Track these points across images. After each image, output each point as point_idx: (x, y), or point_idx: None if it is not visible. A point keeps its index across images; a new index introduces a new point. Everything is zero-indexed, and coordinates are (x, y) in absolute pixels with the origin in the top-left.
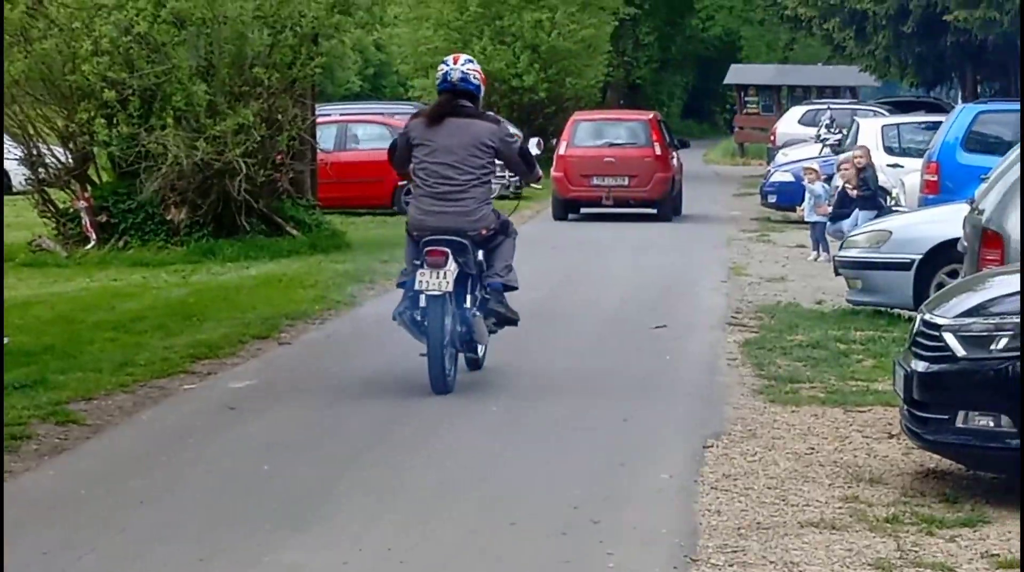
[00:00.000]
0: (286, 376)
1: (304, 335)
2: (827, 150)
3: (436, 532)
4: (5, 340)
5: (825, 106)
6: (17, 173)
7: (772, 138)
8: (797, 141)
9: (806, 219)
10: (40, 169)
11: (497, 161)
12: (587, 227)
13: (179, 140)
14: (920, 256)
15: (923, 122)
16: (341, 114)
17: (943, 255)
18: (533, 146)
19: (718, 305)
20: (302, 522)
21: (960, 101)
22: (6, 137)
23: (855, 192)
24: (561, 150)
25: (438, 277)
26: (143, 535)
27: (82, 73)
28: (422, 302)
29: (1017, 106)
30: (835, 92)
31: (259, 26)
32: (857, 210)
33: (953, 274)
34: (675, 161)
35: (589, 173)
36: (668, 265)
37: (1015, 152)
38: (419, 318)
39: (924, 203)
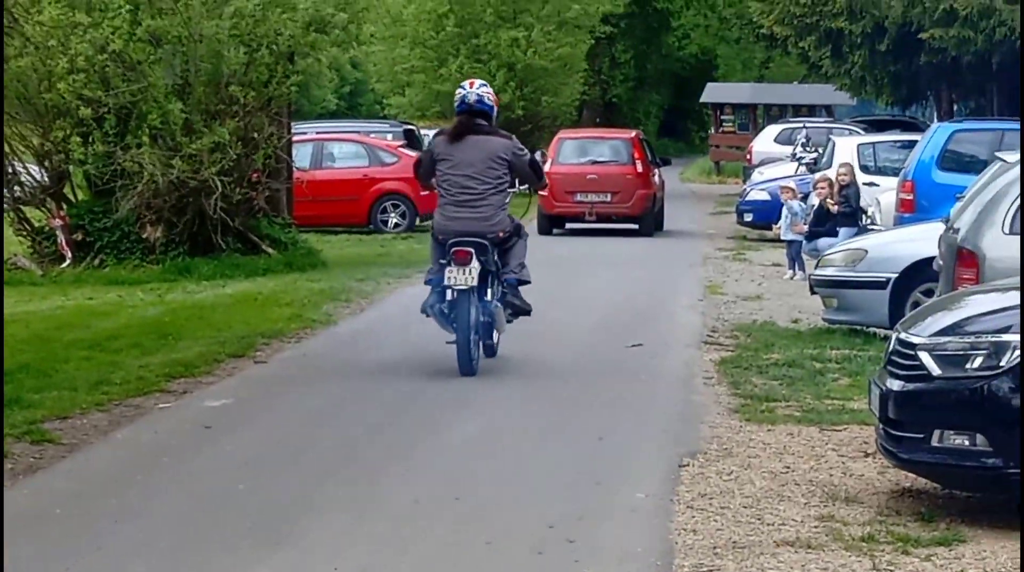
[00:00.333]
0: (261, 395)
1: (280, 354)
2: (803, 169)
3: (411, 550)
4: None
5: (801, 125)
6: None
7: (748, 157)
8: (773, 160)
9: (782, 237)
10: (16, 187)
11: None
12: (568, 243)
13: (155, 158)
14: (895, 275)
15: (898, 141)
16: (317, 132)
17: (918, 274)
18: (538, 156)
19: (694, 323)
20: (278, 540)
21: (935, 120)
22: None
23: (836, 208)
24: (546, 167)
25: (464, 274)
26: (119, 554)
27: (58, 91)
28: (448, 296)
29: (991, 125)
30: (811, 111)
31: (235, 44)
32: (839, 228)
33: (928, 293)
34: (657, 178)
35: (573, 189)
36: (644, 283)
37: (990, 171)
38: (446, 310)
39: (899, 222)
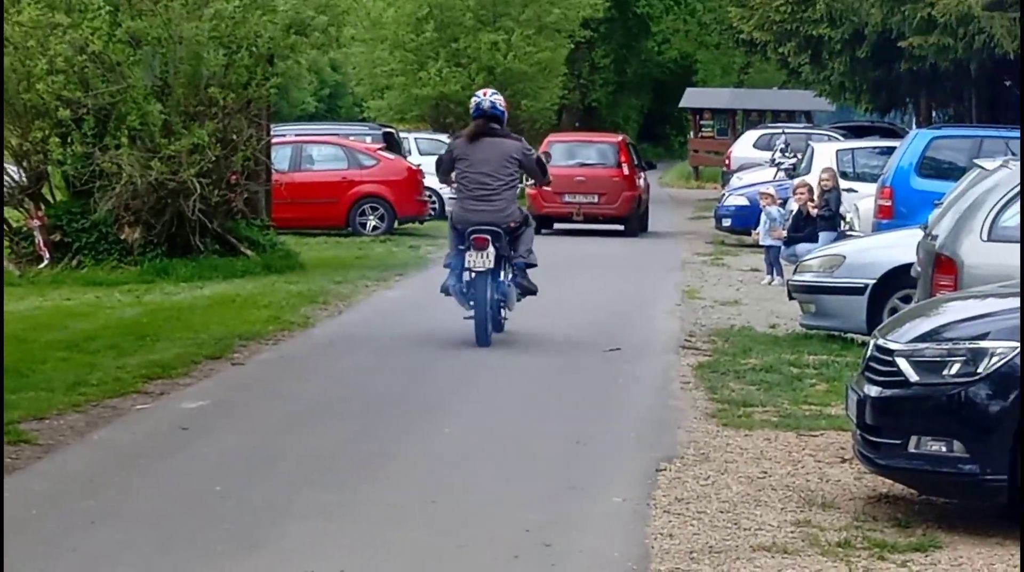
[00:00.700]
0: (239, 397)
1: (257, 356)
2: (782, 174)
3: (387, 554)
4: None
5: (780, 130)
6: None
7: (727, 162)
8: (752, 165)
9: (761, 243)
10: None
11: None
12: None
13: (133, 159)
14: (874, 281)
15: (877, 147)
16: (296, 135)
17: (897, 280)
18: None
19: (672, 328)
20: (253, 543)
21: (914, 126)
22: None
23: (816, 211)
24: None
25: (482, 258)
26: (94, 556)
27: (37, 92)
28: (466, 277)
29: (970, 132)
30: (790, 116)
31: (215, 46)
32: (819, 232)
33: (906, 299)
34: (642, 181)
35: (561, 191)
36: (622, 287)
37: (969, 178)
38: (465, 290)
39: (878, 228)
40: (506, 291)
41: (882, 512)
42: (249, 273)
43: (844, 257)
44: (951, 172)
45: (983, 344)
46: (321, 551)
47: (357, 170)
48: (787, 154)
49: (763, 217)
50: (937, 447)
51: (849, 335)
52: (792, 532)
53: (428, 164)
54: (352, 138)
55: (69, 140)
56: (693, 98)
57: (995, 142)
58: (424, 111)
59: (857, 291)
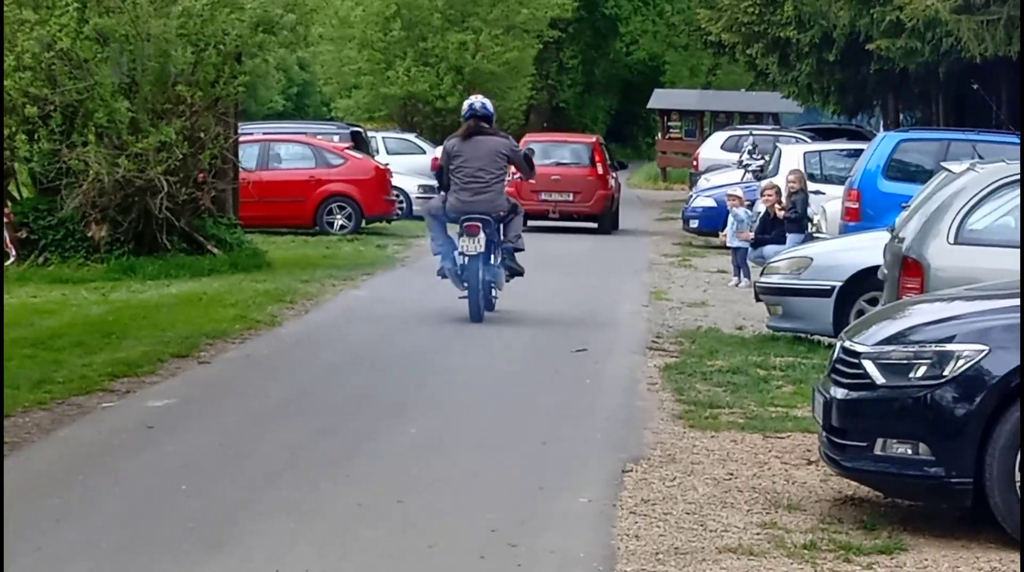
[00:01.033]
0: (205, 395)
1: (224, 354)
2: (749, 176)
3: (354, 554)
4: None
5: (748, 132)
6: None
7: (695, 163)
8: (719, 166)
9: (728, 245)
10: None
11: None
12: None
13: (101, 157)
14: (840, 283)
15: (845, 149)
16: (264, 133)
17: (863, 282)
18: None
19: (639, 329)
20: (219, 542)
21: (882, 129)
22: None
23: (783, 214)
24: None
25: (474, 243)
26: (59, 554)
27: (3, 88)
28: (459, 261)
29: (937, 135)
30: (758, 118)
31: (183, 44)
32: (787, 234)
33: (873, 301)
34: (614, 181)
35: (538, 189)
36: (589, 288)
37: (936, 180)
38: (459, 272)
39: (845, 230)
40: (496, 273)
41: (848, 514)
42: (216, 271)
43: (811, 259)
44: (918, 175)
45: (949, 347)
46: (287, 550)
47: (325, 169)
48: (755, 156)
49: (730, 219)
50: (903, 449)
51: (816, 337)
52: (758, 534)
53: (396, 163)
54: (320, 137)
55: (36, 137)
56: (661, 99)
57: (962, 145)
58: (392, 110)
59: (824, 293)
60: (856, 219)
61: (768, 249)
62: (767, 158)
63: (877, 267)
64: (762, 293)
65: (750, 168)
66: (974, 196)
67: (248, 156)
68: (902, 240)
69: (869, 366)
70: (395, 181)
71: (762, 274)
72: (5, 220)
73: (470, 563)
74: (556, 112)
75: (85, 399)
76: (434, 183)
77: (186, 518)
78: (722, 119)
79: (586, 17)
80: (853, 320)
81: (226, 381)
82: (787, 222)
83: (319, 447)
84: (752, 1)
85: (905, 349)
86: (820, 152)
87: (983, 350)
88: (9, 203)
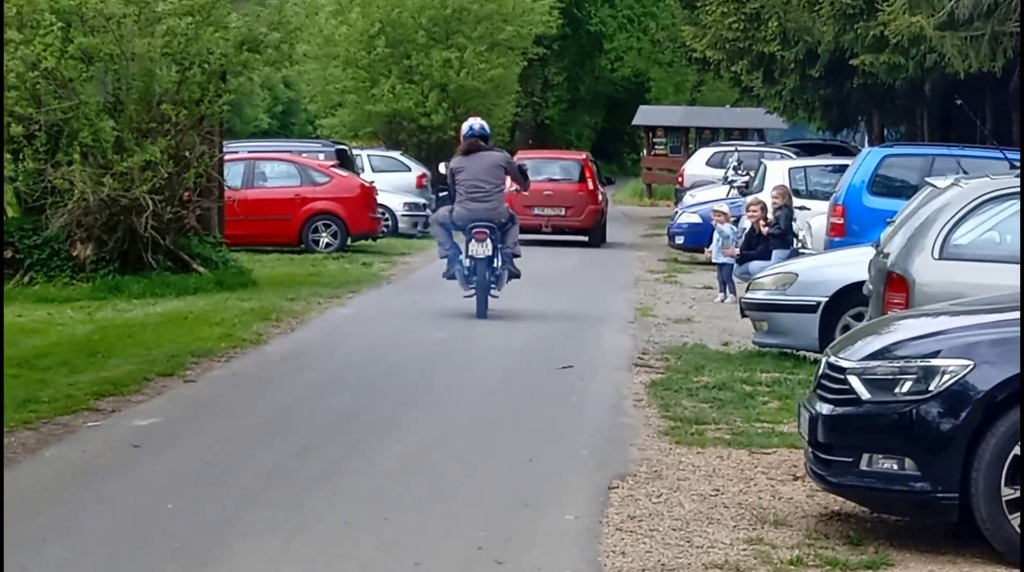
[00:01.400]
0: (191, 414)
1: (209, 373)
2: (734, 192)
3: (339, 571)
4: None
5: (733, 148)
6: None
7: (680, 179)
8: (705, 183)
9: (713, 261)
10: None
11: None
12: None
13: (86, 176)
14: (826, 299)
15: (830, 165)
16: (249, 151)
17: (849, 298)
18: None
19: (625, 346)
20: (206, 561)
21: (866, 145)
22: None
23: (767, 230)
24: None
25: (482, 247)
26: None
27: None
28: (467, 263)
29: (922, 150)
30: (743, 134)
31: (167, 63)
32: (773, 249)
33: (858, 317)
34: (602, 195)
35: (531, 204)
36: (575, 305)
37: (921, 196)
38: (467, 273)
39: (830, 246)
40: (499, 274)
41: (834, 530)
42: (201, 290)
43: (797, 275)
44: (903, 190)
45: (935, 362)
46: (273, 568)
47: (310, 187)
48: (740, 172)
49: (716, 235)
50: (889, 465)
51: (801, 353)
52: (744, 550)
53: (381, 181)
54: (305, 155)
55: (21, 156)
56: (646, 116)
57: (947, 160)
58: (377, 128)
59: (809, 309)
60: (841, 235)
61: (753, 265)
62: (752, 174)
63: (862, 282)
64: (748, 309)
65: (735, 184)
66: (959, 211)
67: (233, 174)
68: (887, 255)
69: (855, 381)
70: (380, 199)
71: (748, 290)
72: None
73: None
74: (541, 129)
75: (71, 418)
76: (420, 201)
77: (172, 537)
78: (707, 135)
79: (571, 34)
80: (838, 336)
81: (212, 400)
82: (772, 238)
83: (305, 465)
84: (737, 17)
85: (890, 364)
86: (805, 168)
87: (968, 365)
88: None
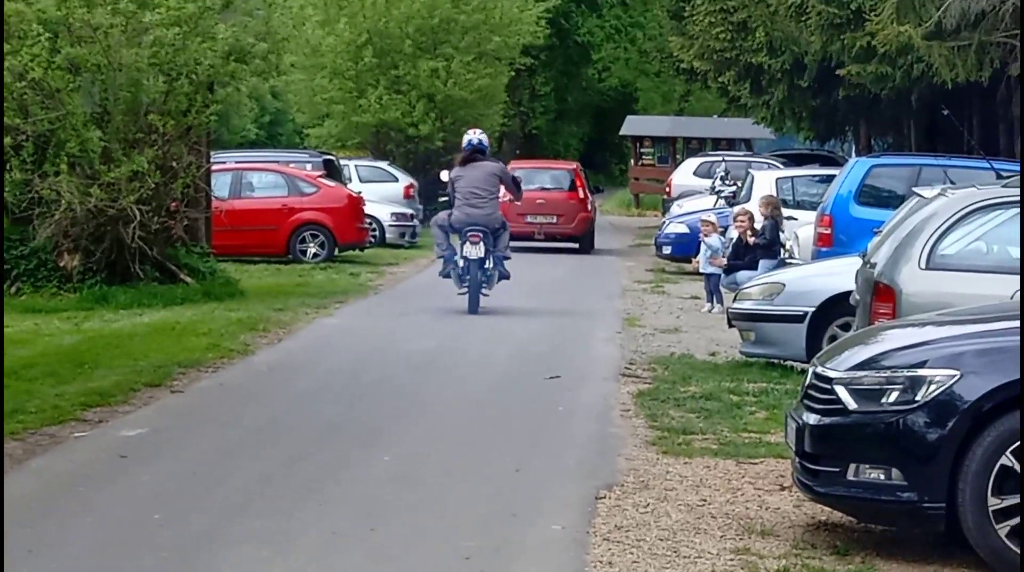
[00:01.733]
0: (178, 424)
1: (196, 383)
2: (722, 202)
3: None
4: None
5: (720, 158)
6: None
7: (667, 190)
8: (692, 193)
9: (701, 271)
10: None
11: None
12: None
13: (73, 186)
14: (813, 309)
15: (817, 175)
16: (236, 162)
17: (836, 308)
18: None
19: (612, 356)
20: (193, 571)
21: (853, 155)
22: None
23: (753, 240)
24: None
25: (476, 249)
26: None
27: None
28: (461, 264)
29: (909, 160)
30: (730, 144)
31: (154, 73)
32: (760, 259)
33: (845, 327)
34: (591, 204)
35: (524, 212)
36: (562, 315)
37: (908, 206)
38: (461, 273)
39: (817, 256)
40: (490, 274)
41: (821, 540)
42: (189, 300)
43: (784, 285)
44: (890, 200)
45: (921, 372)
46: None
47: (297, 197)
48: (727, 182)
49: (703, 245)
50: (876, 475)
51: (789, 363)
52: (731, 560)
53: (369, 191)
54: (292, 165)
55: (8, 167)
56: (633, 126)
57: (934, 170)
58: (365, 138)
59: (796, 319)
60: (828, 245)
61: (741, 275)
62: (739, 184)
63: (849, 293)
64: (735, 319)
65: (723, 194)
66: (946, 221)
67: (220, 185)
68: (874, 265)
69: (841, 392)
70: (368, 209)
71: (735, 300)
72: None
73: None
74: (529, 139)
75: (58, 429)
76: (407, 211)
77: (159, 547)
78: (694, 145)
79: (558, 44)
80: (826, 346)
81: (199, 410)
82: (759, 248)
83: (293, 475)
84: (724, 28)
85: (877, 374)
86: (792, 178)
87: (955, 375)
88: None
